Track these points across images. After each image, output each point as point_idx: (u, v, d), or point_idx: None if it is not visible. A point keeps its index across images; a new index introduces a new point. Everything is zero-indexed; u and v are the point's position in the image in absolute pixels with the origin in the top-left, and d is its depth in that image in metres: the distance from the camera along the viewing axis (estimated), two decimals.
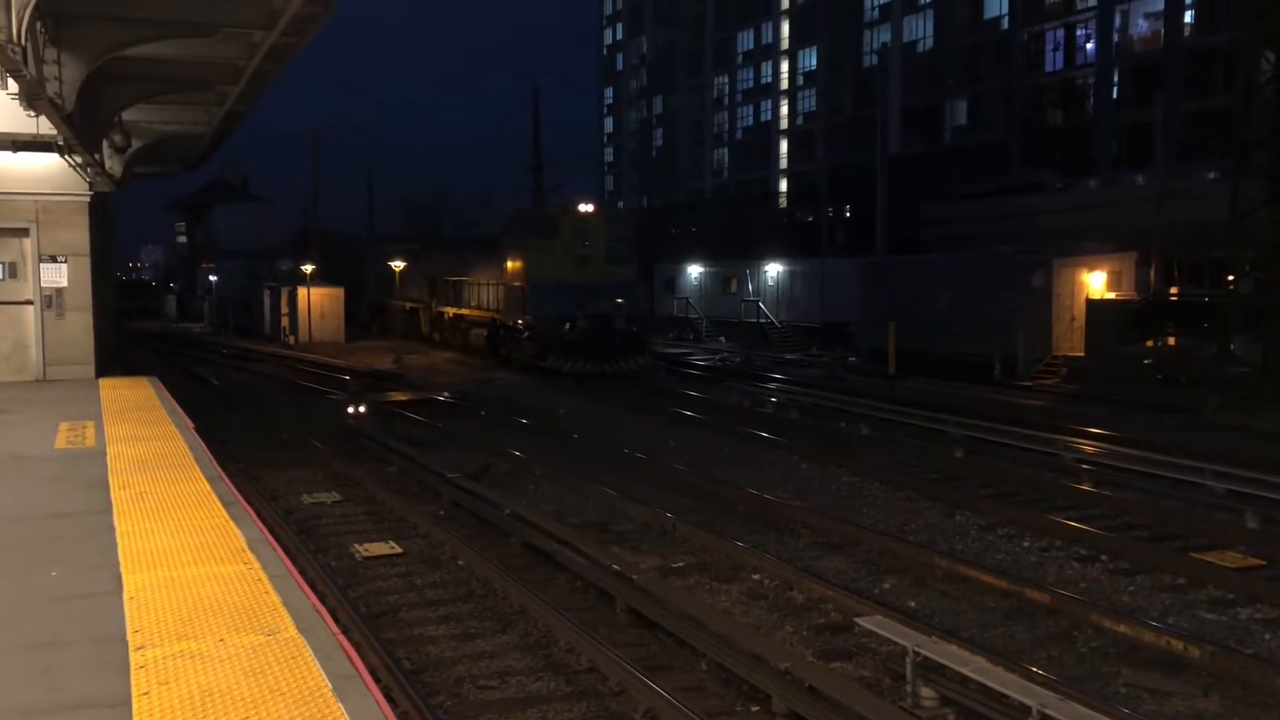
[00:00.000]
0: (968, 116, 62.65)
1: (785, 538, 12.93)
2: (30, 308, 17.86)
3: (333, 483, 16.33)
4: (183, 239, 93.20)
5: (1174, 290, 33.21)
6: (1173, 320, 28.35)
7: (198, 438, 12.01)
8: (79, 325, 17.99)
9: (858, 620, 8.88)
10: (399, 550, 12.27)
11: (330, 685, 4.75)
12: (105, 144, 19.38)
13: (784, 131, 79.16)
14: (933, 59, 64.13)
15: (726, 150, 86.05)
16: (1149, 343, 27.50)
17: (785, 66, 78.59)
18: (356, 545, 12.48)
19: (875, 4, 69.00)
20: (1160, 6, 50.74)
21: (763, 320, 44.38)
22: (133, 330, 53.01)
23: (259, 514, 9.86)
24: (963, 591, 10.70)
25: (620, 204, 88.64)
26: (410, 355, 37.49)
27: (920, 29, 65.56)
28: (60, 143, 15.33)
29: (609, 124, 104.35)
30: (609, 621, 9.72)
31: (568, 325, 30.06)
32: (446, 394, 27.11)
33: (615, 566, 10.84)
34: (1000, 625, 9.74)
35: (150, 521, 7.90)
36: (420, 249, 47.98)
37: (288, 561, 7.00)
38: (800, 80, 77.19)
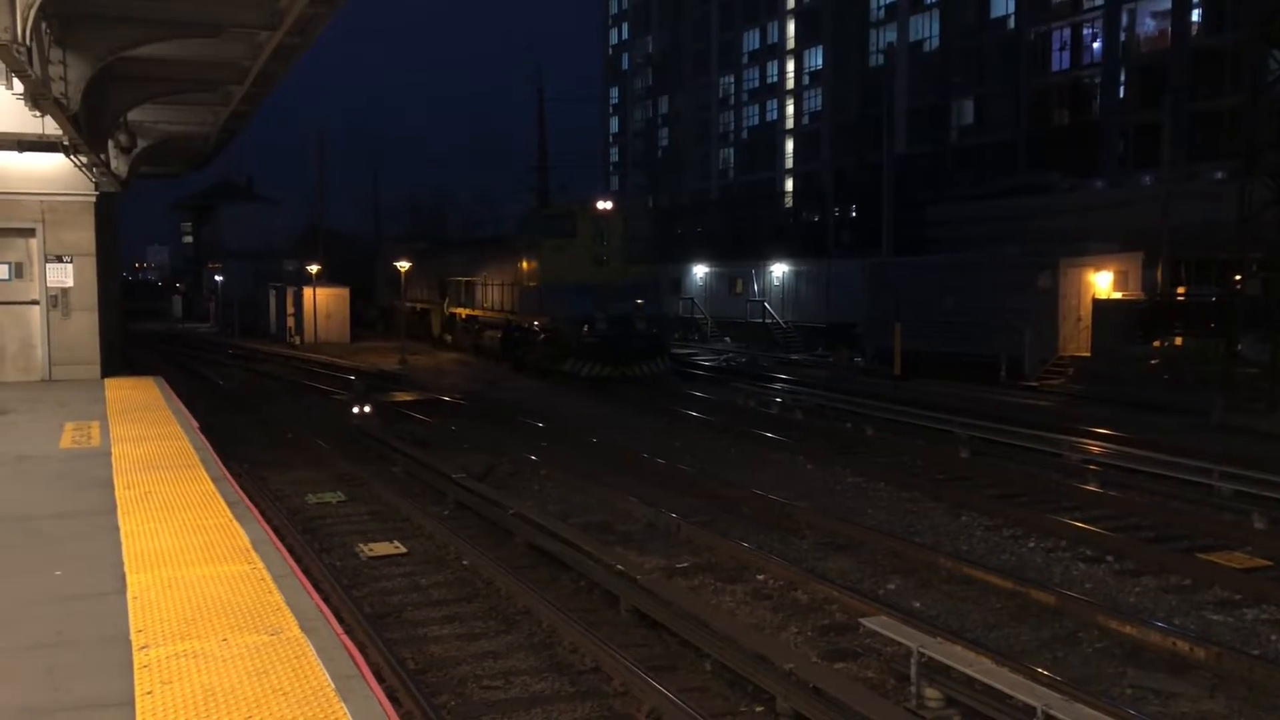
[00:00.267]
0: (974, 116, 62.54)
1: (790, 538, 12.91)
2: (36, 308, 17.89)
3: (338, 483, 16.34)
4: (188, 239, 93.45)
5: (1181, 290, 33.13)
6: (1180, 321, 28.29)
7: (203, 438, 12.02)
8: (84, 325, 18.02)
9: (862, 621, 8.86)
10: (403, 550, 12.28)
11: (333, 685, 4.75)
12: (111, 144, 19.42)
13: (790, 131, 79.10)
14: (939, 59, 64.03)
15: (732, 150, 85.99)
16: (1156, 343, 27.45)
17: (791, 66, 78.51)
18: (361, 545, 12.49)
19: (881, 4, 68.92)
20: (1167, 6, 50.61)
21: (768, 321, 44.35)
22: (138, 331, 53.12)
23: (263, 514, 9.87)
24: (968, 592, 10.67)
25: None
26: (415, 356, 37.51)
27: (926, 29, 65.47)
28: (66, 143, 15.35)
29: (614, 124, 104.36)
30: (613, 622, 9.71)
31: (585, 327, 29.02)
32: (451, 395, 27.13)
33: (619, 567, 10.83)
34: (1005, 626, 9.72)
35: (155, 521, 7.90)
36: (431, 249, 47.52)
37: (291, 561, 7.00)
38: (806, 80, 77.12)
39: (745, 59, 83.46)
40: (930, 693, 7.68)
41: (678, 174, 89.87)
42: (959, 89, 62.62)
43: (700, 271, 49.56)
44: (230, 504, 8.51)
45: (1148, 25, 52.29)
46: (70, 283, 17.82)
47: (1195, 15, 49.92)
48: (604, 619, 9.76)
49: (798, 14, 77.56)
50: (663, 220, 73.67)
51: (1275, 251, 24.98)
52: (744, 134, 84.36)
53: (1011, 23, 59.11)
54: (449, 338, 40.69)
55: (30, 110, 12.58)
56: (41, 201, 17.58)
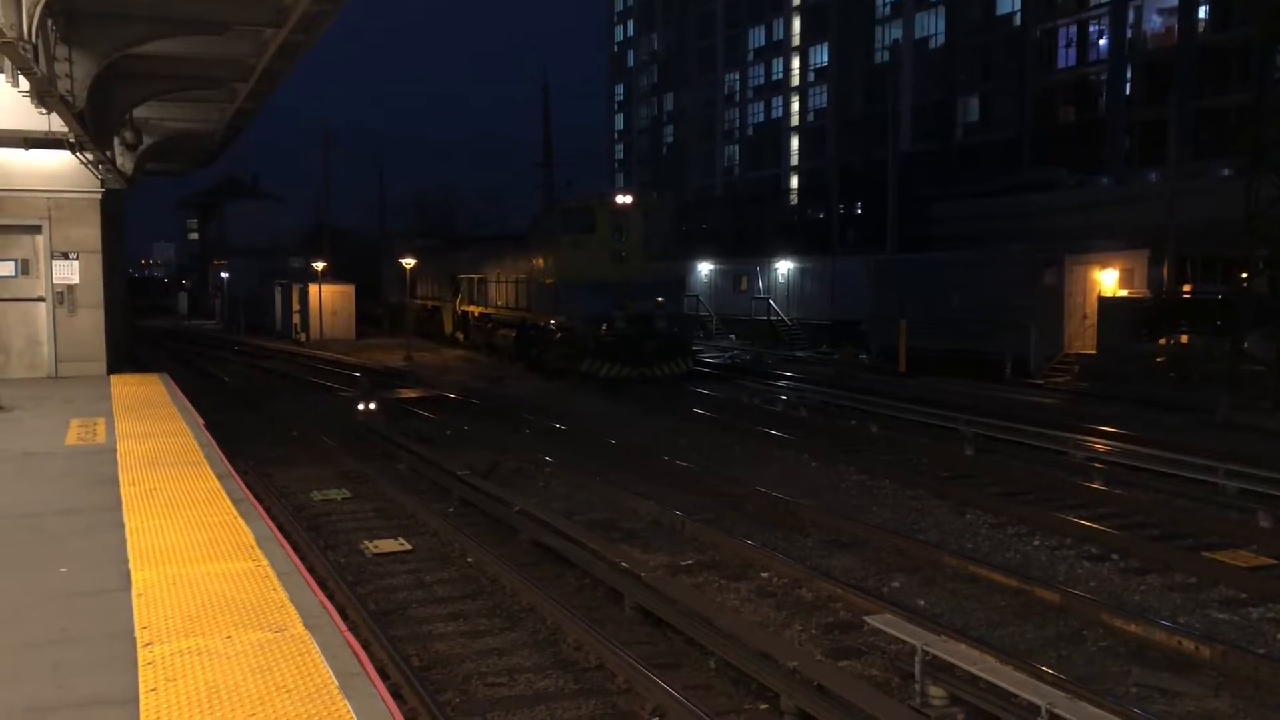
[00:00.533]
0: (980, 113, 62.45)
1: (794, 536, 12.90)
2: (42, 305, 17.94)
3: (343, 480, 16.36)
4: (194, 236, 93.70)
5: (1187, 288, 33.08)
6: (1185, 318, 28.22)
7: (208, 435, 12.04)
8: (90, 322, 18.06)
9: (867, 619, 8.86)
10: (408, 547, 12.29)
11: (337, 682, 4.75)
12: (116, 141, 19.46)
13: (795, 128, 79.04)
14: (944, 56, 63.93)
15: (737, 147, 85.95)
16: (1161, 341, 27.38)
17: (796, 63, 78.44)
18: (366, 542, 12.50)
19: (887, 1, 68.81)
20: (1174, 3, 50.48)
21: (773, 318, 44.34)
22: (144, 328, 53.24)
23: (268, 511, 9.88)
24: (972, 590, 10.65)
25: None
26: (421, 353, 37.54)
27: (932, 25, 65.37)
28: (72, 140, 15.38)
29: (619, 121, 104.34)
30: (617, 619, 9.72)
31: (604, 326, 27.98)
32: (456, 392, 27.15)
33: (624, 564, 10.83)
34: (1010, 624, 9.70)
35: (159, 518, 7.92)
36: (442, 245, 46.62)
37: (295, 559, 7.01)
38: (811, 77, 77.04)
39: (750, 56, 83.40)
40: (935, 691, 7.67)
41: (683, 171, 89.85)
42: (964, 86, 62.51)
43: (705, 269, 49.55)
44: (235, 501, 8.52)
45: (1154, 22, 52.16)
46: (76, 280, 17.86)
47: (1202, 12, 49.78)
48: (608, 616, 9.76)
49: (803, 11, 77.46)
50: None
51: None
52: (749, 131, 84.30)
53: (1017, 19, 59.00)
54: (461, 336, 39.83)
55: (36, 107, 12.62)
56: (48, 198, 17.62)
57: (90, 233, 17.94)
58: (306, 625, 5.53)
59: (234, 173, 77.88)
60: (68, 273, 17.81)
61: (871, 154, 62.33)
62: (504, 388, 28.48)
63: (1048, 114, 57.19)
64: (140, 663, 5.02)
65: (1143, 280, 30.19)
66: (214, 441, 11.56)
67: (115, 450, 10.80)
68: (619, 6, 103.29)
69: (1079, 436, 18.30)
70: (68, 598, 6.13)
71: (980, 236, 41.03)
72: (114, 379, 17.60)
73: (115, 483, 9.21)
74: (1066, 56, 56.43)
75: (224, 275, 64.60)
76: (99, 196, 18.04)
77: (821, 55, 75.90)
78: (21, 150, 17.02)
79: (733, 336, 45.97)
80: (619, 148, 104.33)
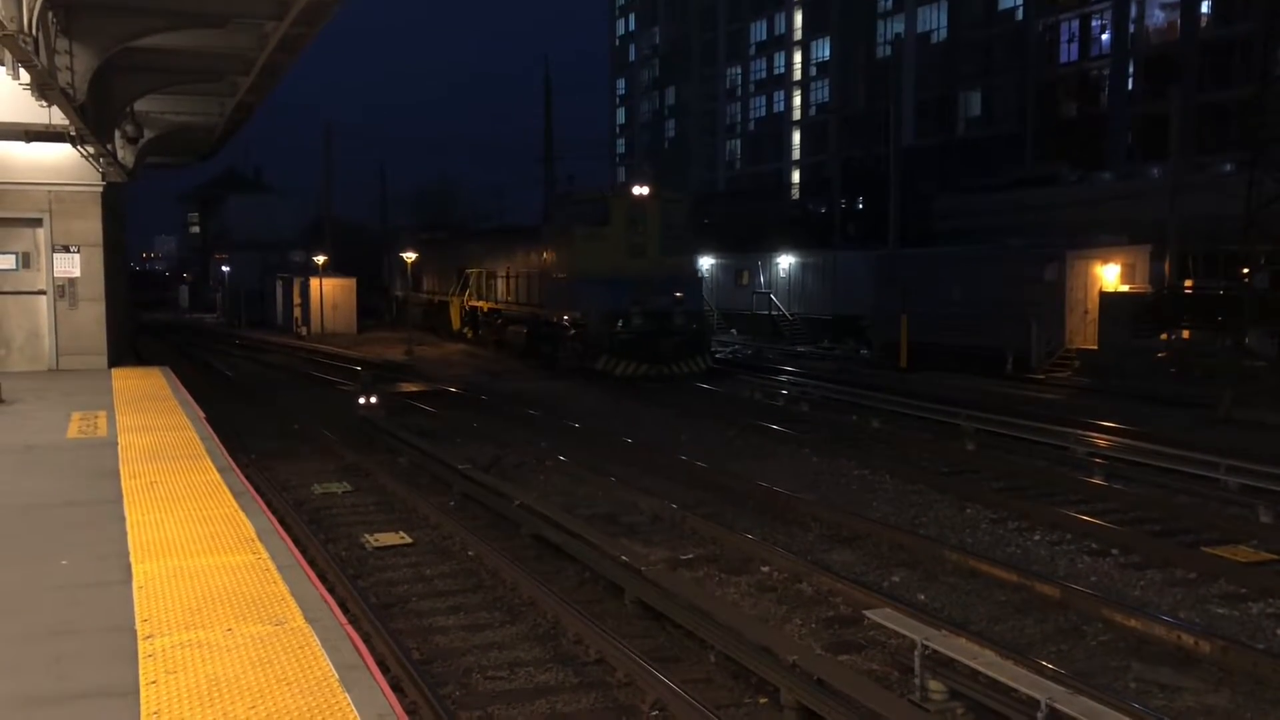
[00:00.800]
0: (982, 108, 62.38)
1: (795, 530, 12.91)
2: (43, 298, 17.94)
3: (344, 473, 16.37)
4: (195, 230, 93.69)
5: (1188, 283, 33.04)
6: (1187, 313, 28.22)
7: (209, 428, 12.04)
8: (92, 315, 18.06)
9: (867, 613, 8.86)
10: (409, 541, 12.29)
11: (337, 675, 4.76)
12: (117, 134, 19.46)
13: (796, 123, 78.99)
14: (947, 50, 63.85)
15: (739, 142, 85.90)
16: (1163, 336, 27.38)
17: (798, 57, 78.37)
18: (367, 535, 12.51)
19: None
20: None
21: (774, 313, 44.31)
22: (146, 321, 53.26)
23: (269, 504, 9.90)
24: (973, 585, 10.66)
25: None
26: (422, 347, 37.54)
27: (934, 20, 65.28)
28: (72, 133, 15.38)
29: (621, 115, 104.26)
30: (617, 613, 9.73)
31: (619, 323, 27.17)
32: (458, 386, 27.15)
33: (624, 558, 10.84)
34: (1010, 619, 9.71)
35: (160, 511, 7.93)
36: (450, 238, 45.69)
37: (296, 552, 7.02)
38: (813, 71, 76.98)
39: (752, 50, 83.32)
40: (934, 685, 7.67)
41: (684, 165, 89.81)
42: (966, 81, 62.44)
43: (706, 263, 49.51)
44: (236, 494, 8.53)
45: (1157, 17, 52.08)
46: (77, 273, 17.86)
47: (1205, 6, 49.70)
48: (608, 610, 9.77)
49: (805, 5, 77.37)
50: None
51: None
52: (751, 125, 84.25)
53: (1020, 14, 58.92)
54: (469, 332, 39.14)
55: (37, 100, 12.61)
56: (48, 191, 17.61)
57: (91, 226, 17.94)
58: (307, 618, 5.53)
59: (235, 166, 77.95)
60: (68, 266, 17.81)
61: (873, 148, 62.28)
62: (505, 382, 28.48)
63: (1050, 109, 57.13)
64: (141, 655, 5.03)
65: (1144, 275, 30.17)
66: (215, 435, 11.57)
67: (116, 443, 10.81)
68: (620, 0, 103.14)
69: (1080, 431, 18.30)
70: (69, 590, 6.14)
71: (982, 231, 41.00)
72: (115, 372, 17.61)
73: (116, 476, 9.23)
74: (1069, 51, 56.36)
75: (225, 269, 64.60)
76: (100, 189, 18.03)
77: (823, 50, 75.81)
78: (22, 143, 17.01)
79: (734, 331, 45.96)
80: (620, 142, 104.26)
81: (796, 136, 79.03)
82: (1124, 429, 18.92)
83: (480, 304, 37.45)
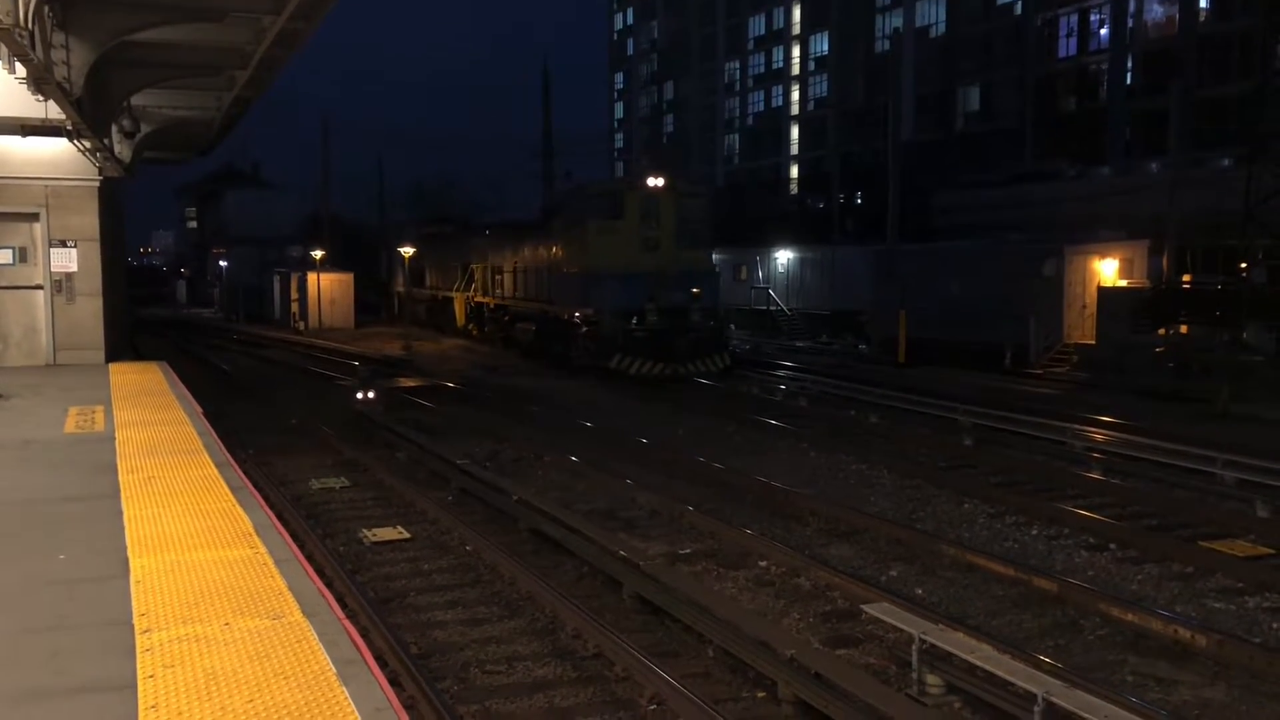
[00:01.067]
0: (980, 103, 62.35)
1: (793, 525, 12.92)
2: (40, 292, 17.91)
3: (342, 468, 16.38)
4: (193, 225, 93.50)
5: (1186, 278, 33.08)
6: (1185, 308, 28.24)
7: (206, 423, 12.03)
8: (89, 310, 18.03)
9: (864, 607, 8.87)
10: (407, 536, 12.30)
11: (335, 670, 4.76)
12: (114, 129, 19.40)
13: (795, 118, 78.92)
14: (945, 45, 63.80)
15: (737, 136, 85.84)
16: (1161, 331, 27.40)
17: (797, 52, 78.29)
18: (365, 530, 12.51)
19: None
20: None
21: (773, 308, 44.31)
22: (143, 316, 53.21)
23: (267, 499, 9.89)
24: (970, 579, 10.67)
25: None
26: (420, 342, 37.52)
27: (933, 14, 65.22)
28: (69, 127, 15.34)
29: (619, 109, 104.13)
30: (616, 608, 9.73)
31: (634, 320, 26.34)
32: (455, 381, 27.14)
33: (622, 553, 10.84)
34: (1007, 613, 9.72)
35: (158, 506, 7.92)
36: (454, 231, 44.96)
37: (294, 546, 7.01)
38: (812, 66, 76.91)
39: (751, 45, 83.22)
40: (932, 679, 7.69)
41: (683, 161, 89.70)
42: (965, 76, 62.41)
43: None
44: (233, 489, 8.52)
45: (1155, 11, 52.05)
46: (74, 268, 17.82)
47: (1203, 1, 49.67)
48: (607, 605, 9.78)
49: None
50: None
51: None
52: (749, 120, 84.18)
53: (1018, 8, 58.88)
54: (474, 329, 38.36)
55: (33, 94, 12.58)
56: (45, 186, 17.57)
57: (88, 220, 17.90)
58: (305, 612, 5.53)
59: (233, 161, 77.78)
60: (66, 261, 17.77)
61: (871, 144, 62.29)
62: (502, 376, 28.47)
63: (1049, 104, 57.12)
64: (138, 649, 5.03)
65: (1142, 270, 30.19)
66: (212, 430, 11.56)
67: (114, 438, 10.80)
68: None
69: (1077, 426, 18.30)
70: (66, 584, 6.14)
71: (980, 226, 41.00)
72: (112, 367, 17.59)
73: (114, 470, 9.22)
74: (1067, 46, 56.33)
75: (223, 264, 64.51)
76: (97, 184, 17.99)
77: (822, 44, 75.75)
78: (19, 137, 16.97)
79: (732, 327, 45.94)
80: (619, 136, 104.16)
81: (795, 131, 78.98)
82: (1122, 424, 18.93)
83: (486, 300, 36.64)
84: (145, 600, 5.75)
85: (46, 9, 11.36)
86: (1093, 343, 28.40)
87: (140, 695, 4.50)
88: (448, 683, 8.09)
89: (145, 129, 21.46)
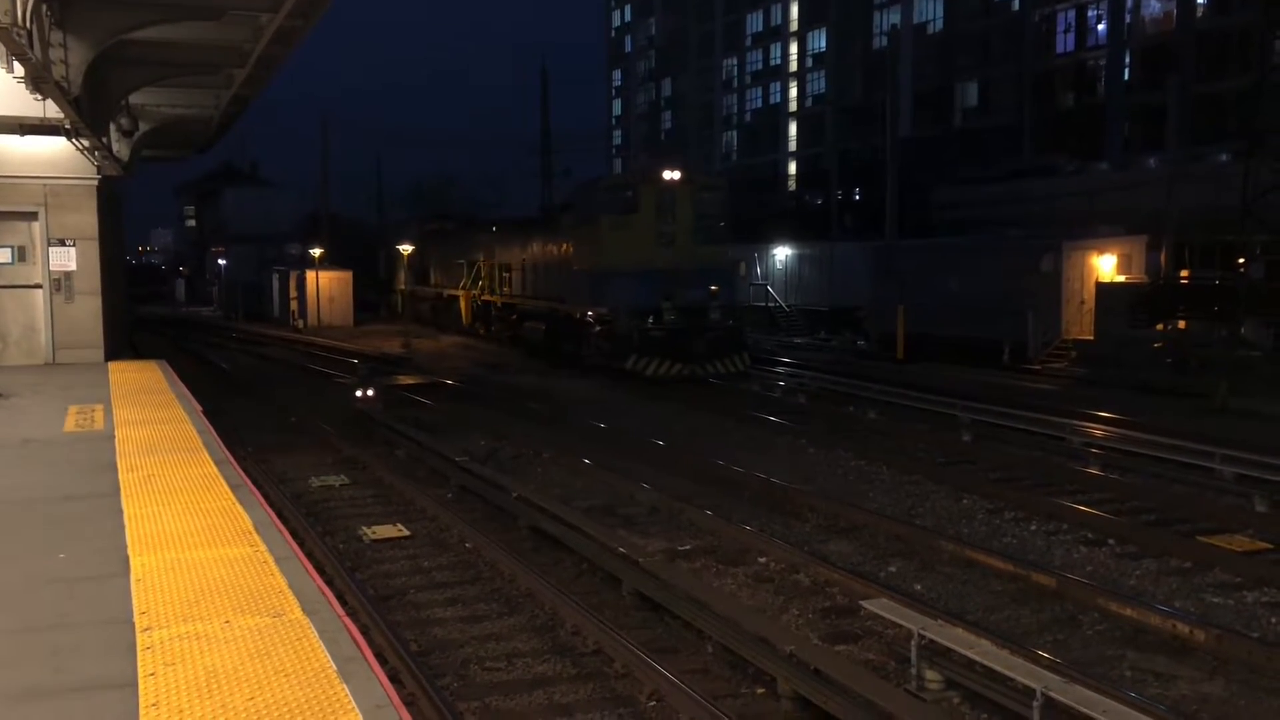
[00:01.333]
0: (978, 99, 62.33)
1: (792, 521, 12.94)
2: (39, 291, 17.91)
3: (341, 466, 16.39)
4: (192, 223, 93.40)
5: (1184, 273, 33.08)
6: (1183, 304, 28.24)
7: (206, 421, 12.04)
8: (88, 309, 18.03)
9: (863, 603, 8.89)
10: (407, 533, 12.31)
11: (335, 667, 4.77)
12: (112, 127, 19.40)
13: (793, 114, 78.87)
14: (943, 41, 63.76)
15: (735, 133, 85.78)
16: (1159, 326, 27.40)
17: (794, 49, 78.23)
18: (364, 528, 12.53)
19: None
20: None
21: (771, 304, 44.29)
22: (142, 314, 53.19)
23: (266, 497, 9.90)
24: (969, 575, 10.69)
25: None
26: (419, 340, 37.51)
27: (931, 10, 65.18)
28: (67, 126, 15.32)
29: (617, 106, 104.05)
30: (615, 605, 9.75)
31: (650, 319, 25.47)
32: (454, 379, 27.14)
33: (622, 550, 10.86)
34: (1006, 609, 9.74)
35: (158, 504, 7.93)
36: (459, 227, 44.29)
37: (294, 544, 7.02)
38: (809, 63, 76.86)
39: (749, 41, 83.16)
40: (930, 675, 7.71)
41: (681, 157, 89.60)
42: (963, 71, 62.38)
43: None
44: (233, 487, 8.53)
45: (1153, 7, 52.03)
46: (73, 266, 17.82)
47: None
48: (606, 602, 9.80)
49: None
50: None
51: (1278, 234, 24.94)
52: (747, 117, 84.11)
53: (1016, 5, 58.85)
54: (481, 329, 37.64)
55: (31, 93, 12.57)
56: (44, 185, 17.57)
57: (87, 219, 17.89)
58: (305, 610, 5.55)
59: (232, 159, 77.71)
60: (65, 259, 17.77)
61: (870, 140, 62.24)
62: (501, 374, 28.47)
63: (1047, 99, 57.10)
64: (139, 647, 5.04)
65: (1140, 266, 30.20)
66: (211, 428, 11.57)
67: (113, 437, 10.81)
68: None
69: (1076, 422, 18.32)
70: (67, 583, 6.15)
71: (979, 222, 40.98)
72: (112, 366, 17.59)
73: (114, 469, 9.22)
74: (1065, 42, 56.31)
75: (222, 262, 64.46)
76: (95, 183, 17.99)
77: (820, 41, 75.69)
78: (17, 136, 16.97)
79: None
80: (617, 133, 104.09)
81: (793, 128, 78.93)
82: (1120, 419, 18.94)
83: (493, 298, 35.81)
84: (145, 598, 5.76)
85: (44, 7, 11.35)
86: (1091, 338, 28.40)
87: (141, 693, 4.51)
88: (448, 680, 8.10)
89: (143, 127, 21.47)
